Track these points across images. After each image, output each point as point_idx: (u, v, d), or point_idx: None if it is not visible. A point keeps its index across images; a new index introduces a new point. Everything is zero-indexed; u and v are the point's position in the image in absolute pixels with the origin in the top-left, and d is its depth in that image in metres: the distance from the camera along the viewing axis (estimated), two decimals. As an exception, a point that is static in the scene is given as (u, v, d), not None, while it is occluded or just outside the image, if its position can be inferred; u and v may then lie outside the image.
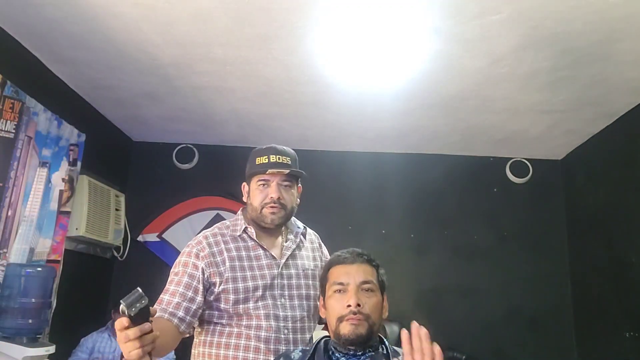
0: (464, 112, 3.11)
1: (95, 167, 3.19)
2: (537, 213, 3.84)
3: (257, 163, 1.61)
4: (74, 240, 3.02)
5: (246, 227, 1.62)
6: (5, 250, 2.29)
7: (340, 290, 1.33)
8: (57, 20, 2.23)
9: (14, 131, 2.28)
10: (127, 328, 1.09)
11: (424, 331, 1.12)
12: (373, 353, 1.30)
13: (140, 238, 3.72)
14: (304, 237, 1.73)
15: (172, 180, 3.88)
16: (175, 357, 3.08)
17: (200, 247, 1.57)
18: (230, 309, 1.52)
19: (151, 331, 1.13)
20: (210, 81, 2.81)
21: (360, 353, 1.30)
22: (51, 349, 2.23)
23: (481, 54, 2.40)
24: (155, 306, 1.44)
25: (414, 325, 1.12)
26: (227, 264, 1.56)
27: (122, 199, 3.53)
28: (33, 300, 2.27)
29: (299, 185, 1.70)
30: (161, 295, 1.49)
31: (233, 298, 1.52)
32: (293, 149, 1.68)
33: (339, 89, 2.83)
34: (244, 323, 1.52)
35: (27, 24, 2.28)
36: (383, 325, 1.37)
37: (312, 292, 1.62)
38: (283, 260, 1.61)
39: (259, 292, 1.54)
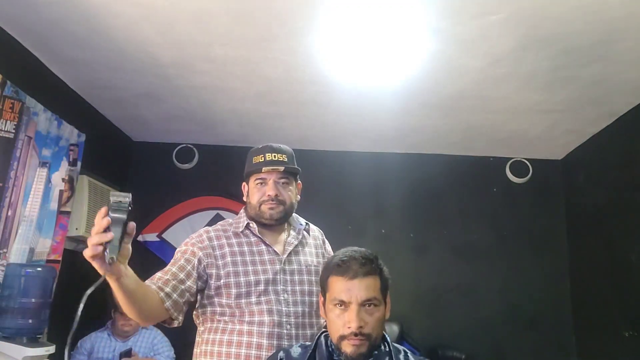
0: (464, 112, 3.11)
1: (95, 167, 3.19)
2: (537, 213, 3.84)
3: (253, 162, 1.64)
4: (74, 240, 3.02)
5: (248, 223, 1.64)
6: (5, 250, 2.29)
7: (341, 305, 1.28)
8: (57, 20, 2.23)
9: (14, 131, 2.28)
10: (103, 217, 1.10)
11: None
12: (376, 352, 1.30)
13: (140, 238, 3.72)
14: (308, 234, 1.74)
15: (172, 180, 3.88)
16: (175, 356, 3.09)
17: (200, 239, 1.60)
18: (233, 304, 1.53)
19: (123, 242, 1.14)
20: (210, 81, 2.81)
21: None
22: (51, 349, 2.23)
23: (481, 54, 2.40)
24: (147, 281, 1.45)
25: None
26: (228, 258, 1.57)
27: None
28: (33, 300, 2.27)
29: (299, 182, 1.71)
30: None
31: (235, 292, 1.53)
32: (293, 149, 1.70)
33: (339, 89, 2.83)
34: (246, 319, 1.52)
35: (27, 24, 2.28)
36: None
37: (314, 288, 1.62)
38: (285, 256, 1.62)
39: (261, 287, 1.54)
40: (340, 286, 1.29)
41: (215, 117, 3.37)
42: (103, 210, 1.11)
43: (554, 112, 3.05)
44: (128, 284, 1.26)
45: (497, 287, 3.72)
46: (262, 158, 1.62)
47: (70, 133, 2.80)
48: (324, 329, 1.39)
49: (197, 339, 1.63)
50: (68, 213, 2.79)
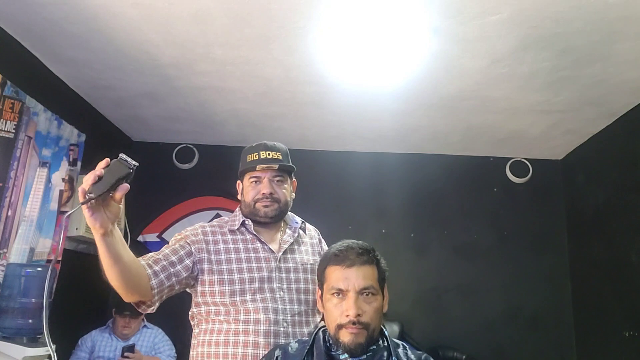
0: (464, 112, 3.11)
1: (95, 167, 3.18)
2: (537, 213, 3.84)
3: (248, 160, 1.63)
4: (74, 240, 3.03)
5: (244, 220, 1.63)
6: (5, 250, 2.29)
7: (338, 294, 1.28)
8: (57, 20, 2.23)
9: (14, 131, 2.28)
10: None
11: None
12: (374, 347, 1.29)
13: (140, 238, 3.72)
14: (304, 232, 1.73)
15: (172, 180, 3.88)
16: (176, 356, 3.09)
17: (194, 232, 1.59)
18: (228, 301, 1.51)
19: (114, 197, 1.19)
20: (210, 81, 2.81)
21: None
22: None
23: (481, 54, 2.40)
24: (138, 258, 1.43)
25: None
26: (223, 255, 1.56)
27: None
28: (33, 300, 2.27)
29: (294, 179, 1.71)
30: None
31: (229, 289, 1.51)
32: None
33: (339, 89, 2.83)
34: (241, 318, 1.51)
35: (27, 24, 2.28)
36: (383, 323, 1.34)
37: (311, 286, 1.61)
38: (280, 254, 1.61)
39: (256, 285, 1.53)
40: (337, 275, 1.29)
41: (215, 117, 3.37)
42: (107, 159, 1.15)
43: (554, 112, 3.05)
44: (114, 243, 1.24)
45: (498, 287, 3.72)
46: (257, 156, 1.62)
47: (70, 133, 2.80)
48: (322, 325, 1.39)
49: (193, 341, 1.61)
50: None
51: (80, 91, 3.03)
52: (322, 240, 1.81)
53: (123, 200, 1.25)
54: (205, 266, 1.54)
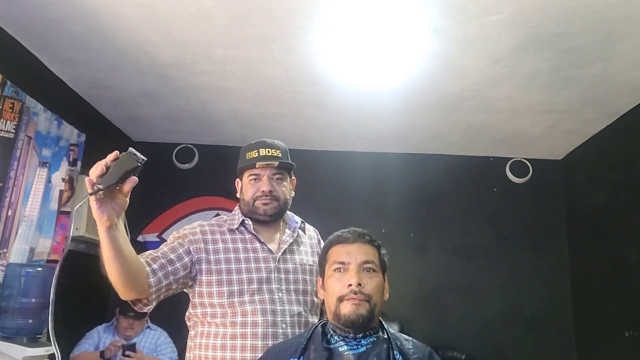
0: (464, 112, 3.11)
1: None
2: (537, 213, 3.84)
3: (247, 158, 1.62)
4: (74, 240, 3.02)
5: (243, 220, 1.61)
6: (5, 250, 2.29)
7: (340, 269, 1.28)
8: (57, 20, 2.23)
9: (14, 131, 2.28)
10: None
11: None
12: (374, 338, 1.26)
13: (140, 238, 3.72)
14: (303, 232, 1.72)
15: (172, 180, 3.88)
16: (177, 358, 3.09)
17: (193, 232, 1.58)
18: (225, 303, 1.49)
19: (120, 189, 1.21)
20: (210, 81, 2.81)
21: (360, 336, 1.25)
22: (51, 349, 2.23)
23: (481, 54, 2.40)
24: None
25: None
26: (221, 255, 1.54)
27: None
28: (33, 300, 2.27)
29: (293, 177, 1.69)
30: None
31: (227, 290, 1.50)
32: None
33: (339, 89, 2.83)
34: (238, 320, 1.48)
35: (27, 24, 2.28)
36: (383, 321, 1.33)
37: (309, 287, 1.60)
38: (279, 254, 1.59)
39: (254, 285, 1.51)
40: (339, 250, 1.32)
41: (215, 117, 3.37)
42: (116, 152, 1.15)
43: (554, 112, 3.05)
44: (118, 237, 1.25)
45: (497, 287, 3.72)
46: (256, 153, 1.60)
47: (70, 133, 2.79)
48: (322, 320, 1.37)
49: (189, 343, 1.58)
50: (68, 213, 2.79)
51: (80, 91, 3.03)
52: (322, 241, 1.79)
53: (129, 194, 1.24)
54: (204, 266, 1.52)
